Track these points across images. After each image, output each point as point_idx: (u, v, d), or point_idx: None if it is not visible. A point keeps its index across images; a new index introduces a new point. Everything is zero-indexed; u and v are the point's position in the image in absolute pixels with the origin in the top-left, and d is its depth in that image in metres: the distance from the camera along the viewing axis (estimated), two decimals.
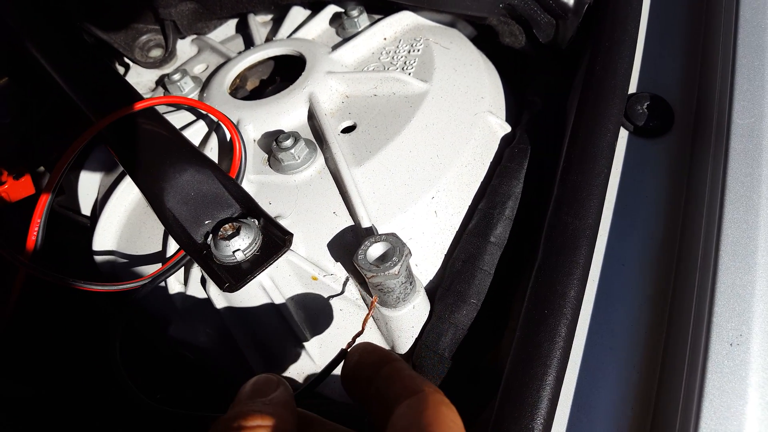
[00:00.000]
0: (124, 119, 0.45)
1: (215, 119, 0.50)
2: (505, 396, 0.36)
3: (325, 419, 0.33)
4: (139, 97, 0.47)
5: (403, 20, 0.56)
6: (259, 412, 0.27)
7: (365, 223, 0.43)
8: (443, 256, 0.46)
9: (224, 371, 0.50)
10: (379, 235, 0.40)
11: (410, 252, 0.39)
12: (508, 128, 0.51)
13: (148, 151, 0.44)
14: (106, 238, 0.50)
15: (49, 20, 0.55)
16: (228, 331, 0.46)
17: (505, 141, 0.50)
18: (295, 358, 0.47)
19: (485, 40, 0.58)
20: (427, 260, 0.45)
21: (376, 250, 0.39)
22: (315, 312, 0.45)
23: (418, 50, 0.53)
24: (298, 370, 0.48)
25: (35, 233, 0.44)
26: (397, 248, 0.39)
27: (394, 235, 0.39)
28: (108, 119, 0.45)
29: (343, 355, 0.33)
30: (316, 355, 0.46)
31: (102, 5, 0.63)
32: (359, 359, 0.31)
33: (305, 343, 0.46)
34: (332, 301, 0.44)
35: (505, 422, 0.35)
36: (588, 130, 0.42)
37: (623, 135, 0.46)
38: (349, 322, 0.45)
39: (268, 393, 0.29)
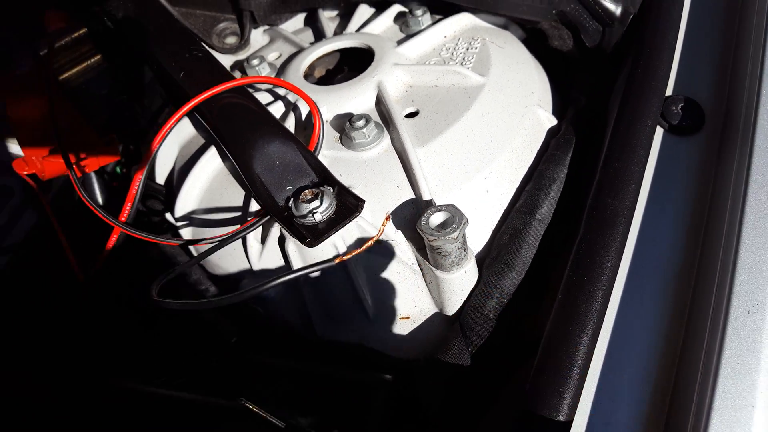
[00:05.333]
0: (219, 95, 0.52)
1: (292, 100, 0.56)
2: (546, 349, 0.41)
3: None
4: (231, 77, 0.54)
5: (462, 21, 0.62)
6: None
7: (426, 196, 0.49)
8: (492, 230, 0.51)
9: (288, 323, 0.56)
10: (440, 205, 0.45)
11: (468, 221, 0.44)
12: (554, 121, 0.56)
13: (240, 123, 0.51)
14: (188, 203, 0.56)
15: (146, 6, 0.61)
16: (296, 287, 0.52)
17: (551, 132, 0.56)
18: (353, 313, 0.53)
19: (535, 42, 0.63)
20: (477, 233, 0.51)
21: (437, 218, 0.45)
22: (375, 272, 0.51)
23: (476, 48, 0.59)
24: (355, 325, 0.54)
25: (132, 199, 0.51)
26: (456, 216, 0.44)
27: (453, 206, 0.45)
28: (205, 94, 0.51)
29: None
30: (372, 309, 0.52)
31: None
32: None
33: (364, 301, 0.52)
34: (391, 264, 0.50)
35: (545, 371, 0.41)
36: (629, 124, 0.48)
37: (659, 132, 0.51)
38: (404, 284, 0.51)
39: None
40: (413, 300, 0.52)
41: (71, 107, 0.61)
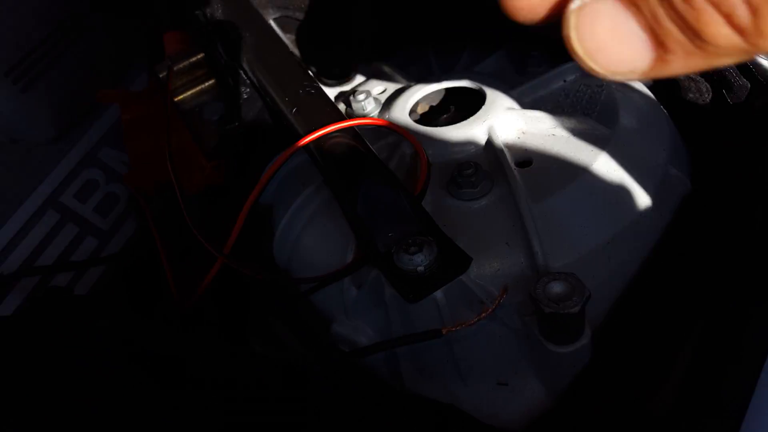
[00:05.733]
0: (329, 134, 0.50)
1: (400, 140, 0.54)
2: None
3: None
4: (342, 117, 0.52)
5: None
6: None
7: (540, 260, 0.45)
8: (611, 302, 0.46)
9: (374, 369, 0.53)
10: (560, 273, 0.41)
11: (591, 294, 0.40)
12: (687, 183, 0.50)
13: (346, 163, 0.49)
14: (287, 240, 0.55)
15: (262, 35, 0.62)
16: (388, 336, 0.49)
17: (683, 195, 0.50)
18: (446, 371, 0.49)
19: (665, 92, 0.58)
20: (595, 304, 0.46)
21: (555, 287, 0.41)
22: (474, 332, 0.47)
23: (600, 95, 0.54)
24: (447, 384, 0.50)
25: (238, 231, 0.50)
26: (577, 289, 0.40)
27: (574, 276, 0.41)
28: (318, 133, 0.50)
29: None
30: (466, 370, 0.48)
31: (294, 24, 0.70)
32: None
33: (459, 361, 0.48)
34: (493, 327, 0.46)
35: None
36: None
37: None
38: (505, 349, 0.47)
39: None
40: (514, 367, 0.48)
41: (183, 129, 0.62)
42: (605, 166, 0.48)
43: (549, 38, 0.59)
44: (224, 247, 0.50)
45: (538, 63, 0.59)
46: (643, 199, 0.48)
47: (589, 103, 0.54)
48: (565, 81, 0.58)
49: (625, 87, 0.56)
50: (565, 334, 0.42)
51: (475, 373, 0.49)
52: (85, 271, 0.79)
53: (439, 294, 0.45)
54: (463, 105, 0.59)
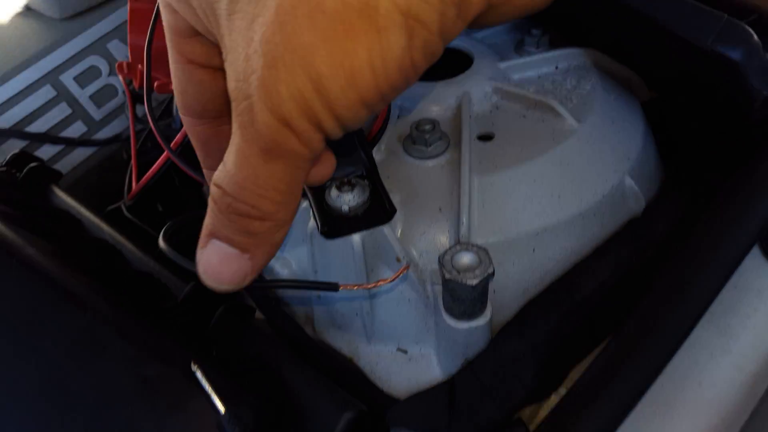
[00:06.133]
0: None
1: None
2: None
3: None
4: None
5: (583, 57, 0.55)
6: None
7: (463, 231, 0.44)
8: (524, 297, 0.45)
9: (292, 308, 0.53)
10: (471, 244, 0.40)
11: (494, 273, 0.39)
12: (641, 202, 0.49)
13: None
14: None
15: None
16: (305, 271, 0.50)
17: (631, 212, 0.48)
18: (353, 325, 0.49)
19: (659, 110, 0.55)
20: (506, 291, 0.45)
21: (463, 257, 0.40)
22: (387, 292, 0.47)
23: (584, 89, 0.52)
24: (351, 338, 0.50)
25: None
26: (483, 263, 0.39)
27: (485, 251, 0.40)
28: None
29: None
30: (371, 330, 0.48)
31: None
32: None
33: (366, 317, 0.48)
34: (406, 289, 0.46)
35: None
36: (719, 234, 0.40)
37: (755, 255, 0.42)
38: (412, 316, 0.47)
39: None
40: (416, 336, 0.48)
41: None
42: (559, 158, 0.47)
43: (553, 18, 0.57)
44: (173, 143, 0.50)
45: (536, 43, 0.57)
46: (588, 201, 0.46)
47: (570, 94, 0.52)
48: (557, 67, 0.56)
49: (613, 90, 0.53)
50: (463, 309, 0.41)
51: (379, 335, 0.49)
52: (70, 150, 0.81)
53: (356, 239, 0.44)
54: (451, 66, 0.57)
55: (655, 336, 0.38)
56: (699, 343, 0.40)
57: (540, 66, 0.55)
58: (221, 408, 0.35)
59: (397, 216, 0.45)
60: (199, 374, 0.36)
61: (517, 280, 0.45)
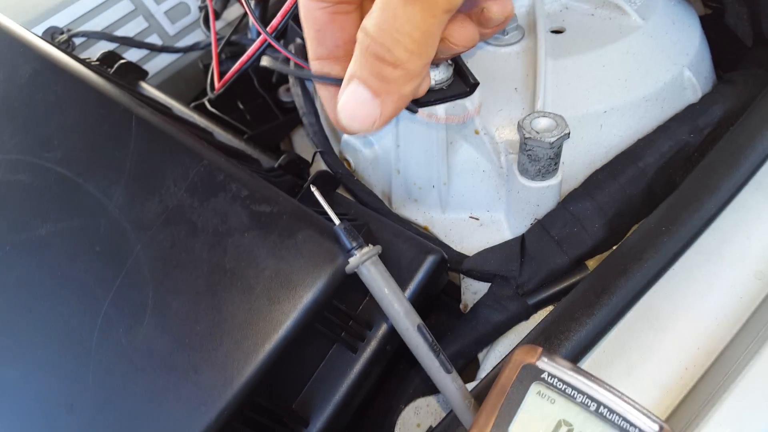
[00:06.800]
0: None
1: None
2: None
3: None
4: None
5: None
6: None
7: (539, 105, 0.49)
8: (590, 167, 0.50)
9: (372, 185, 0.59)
10: (550, 112, 0.45)
11: (569, 134, 0.44)
12: (698, 92, 0.53)
13: None
14: None
15: None
16: (386, 149, 0.55)
17: (689, 101, 0.53)
18: (429, 196, 0.55)
19: (712, 22, 0.59)
20: (574, 164, 0.50)
21: (541, 122, 0.45)
22: (463, 162, 0.52)
23: None
24: (427, 209, 0.56)
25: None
26: (560, 125, 0.44)
27: (561, 116, 0.45)
28: None
29: None
30: (446, 198, 0.54)
31: None
32: None
33: (442, 185, 0.53)
34: (481, 159, 0.51)
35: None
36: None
37: None
38: (486, 185, 0.52)
39: None
40: (488, 204, 0.53)
41: None
42: (625, 48, 0.51)
43: None
44: (269, 27, 0.55)
45: None
46: (650, 87, 0.51)
47: None
48: None
49: None
50: (538, 168, 0.46)
51: (454, 204, 0.54)
52: (151, 57, 0.86)
53: (440, 110, 0.49)
54: None
55: (707, 190, 0.43)
56: (748, 205, 0.44)
57: None
58: (337, 220, 0.41)
59: (476, 93, 0.50)
60: (316, 192, 0.41)
61: (584, 152, 0.50)
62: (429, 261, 0.47)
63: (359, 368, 0.46)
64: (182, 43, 0.89)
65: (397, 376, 0.55)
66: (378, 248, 0.40)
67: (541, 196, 0.48)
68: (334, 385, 0.45)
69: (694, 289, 0.41)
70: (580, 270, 0.47)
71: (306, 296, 0.42)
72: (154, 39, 0.87)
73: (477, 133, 0.50)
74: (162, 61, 0.86)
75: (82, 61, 0.62)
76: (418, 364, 0.40)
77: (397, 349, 0.52)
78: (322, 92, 0.39)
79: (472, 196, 0.53)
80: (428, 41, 0.32)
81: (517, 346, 0.40)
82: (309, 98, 0.61)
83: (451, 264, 0.51)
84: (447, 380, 0.36)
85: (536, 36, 0.52)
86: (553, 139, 0.43)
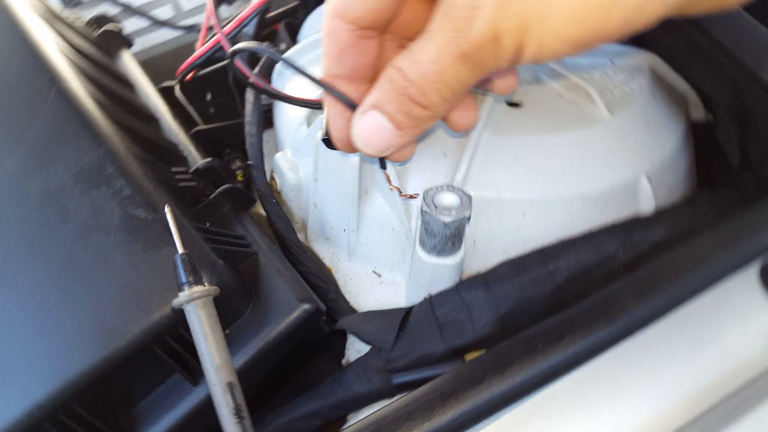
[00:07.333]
0: None
1: None
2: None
3: None
4: None
5: (640, 59, 0.55)
6: None
7: (459, 176, 0.45)
8: (503, 253, 0.46)
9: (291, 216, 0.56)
10: (460, 189, 0.41)
11: (469, 218, 0.40)
12: (652, 203, 0.48)
13: None
14: None
15: None
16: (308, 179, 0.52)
17: (634, 212, 0.48)
18: (339, 240, 0.52)
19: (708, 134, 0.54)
20: (486, 246, 0.46)
21: (446, 197, 0.41)
22: (376, 216, 0.48)
23: (631, 88, 0.52)
24: (334, 252, 0.52)
25: None
26: (464, 206, 0.40)
27: (469, 197, 0.41)
28: None
29: None
30: (354, 247, 0.50)
31: None
32: None
33: (352, 234, 0.50)
34: (392, 218, 0.48)
35: None
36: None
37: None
38: (393, 244, 0.48)
39: None
40: (393, 264, 0.49)
41: None
42: (577, 140, 0.47)
43: None
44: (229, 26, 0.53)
45: None
46: (593, 188, 0.46)
47: (615, 89, 0.52)
48: (612, 62, 0.55)
49: (662, 99, 0.52)
50: (434, 244, 0.42)
51: (360, 254, 0.51)
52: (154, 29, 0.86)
53: (354, 159, 0.46)
54: None
55: (601, 317, 0.38)
56: (666, 341, 0.39)
57: (595, 56, 0.55)
58: (180, 248, 0.38)
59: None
60: (169, 216, 0.39)
61: (500, 238, 0.46)
62: (300, 310, 0.44)
63: (195, 402, 0.43)
64: (192, 21, 0.89)
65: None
66: (213, 289, 0.37)
67: (436, 272, 0.44)
68: (162, 414, 0.43)
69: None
70: (454, 362, 0.43)
71: (149, 318, 0.40)
72: (166, 10, 0.87)
73: (391, 189, 0.46)
74: (165, 34, 0.85)
75: (57, 20, 0.62)
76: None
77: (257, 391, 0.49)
78: (330, 109, 0.39)
79: (379, 251, 0.50)
80: (463, 93, 0.34)
81: None
82: (258, 110, 0.59)
83: (334, 317, 0.48)
84: None
85: (488, 102, 0.48)
86: (448, 220, 0.39)
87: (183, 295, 0.36)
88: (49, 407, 0.38)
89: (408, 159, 0.43)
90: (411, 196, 0.46)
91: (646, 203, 0.48)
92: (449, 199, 0.41)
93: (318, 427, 0.48)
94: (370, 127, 0.36)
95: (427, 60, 0.32)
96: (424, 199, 0.41)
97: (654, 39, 0.55)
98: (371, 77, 0.38)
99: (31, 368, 0.39)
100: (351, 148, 0.39)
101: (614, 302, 0.39)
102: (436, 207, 0.40)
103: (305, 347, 0.50)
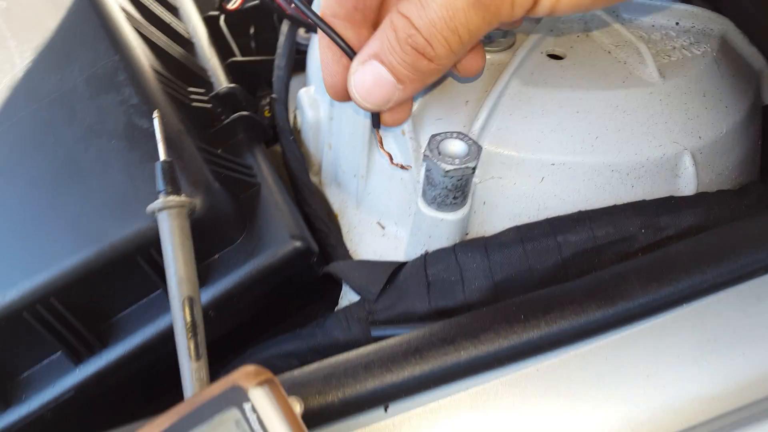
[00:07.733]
0: None
1: None
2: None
3: None
4: None
5: (710, 23, 0.48)
6: None
7: (476, 127, 0.41)
8: (513, 219, 0.42)
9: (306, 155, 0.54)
10: (471, 138, 0.38)
11: (474, 170, 0.37)
12: (691, 185, 0.42)
13: None
14: None
15: None
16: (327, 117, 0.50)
17: (673, 192, 0.42)
18: (350, 187, 0.49)
19: None
20: (496, 208, 0.42)
21: (453, 144, 0.38)
22: (381, 162, 0.46)
23: (693, 52, 0.45)
24: (343, 198, 0.50)
25: None
26: (469, 156, 0.37)
27: (479, 147, 0.37)
28: None
29: None
30: (361, 197, 0.48)
31: None
32: None
33: (361, 181, 0.47)
34: (400, 173, 0.45)
35: None
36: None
37: None
38: (399, 192, 0.45)
39: None
40: (398, 216, 0.47)
41: None
42: (618, 102, 0.42)
43: None
44: None
45: None
46: (625, 155, 0.41)
47: (675, 51, 0.46)
48: (677, 23, 0.49)
49: (727, 68, 0.46)
50: (434, 195, 0.39)
51: (367, 203, 0.49)
52: None
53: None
54: None
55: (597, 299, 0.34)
56: (672, 337, 0.35)
57: (659, 15, 0.49)
58: (162, 155, 0.37)
59: (423, 97, 0.44)
60: (156, 121, 0.38)
61: (512, 202, 0.42)
62: (290, 246, 0.43)
63: None
64: None
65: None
66: (188, 201, 0.36)
67: (434, 227, 0.41)
68: (140, 327, 0.42)
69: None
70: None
71: (135, 226, 0.39)
72: None
73: (403, 134, 0.43)
74: None
75: None
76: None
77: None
78: (325, 52, 0.37)
79: (385, 201, 0.47)
80: (470, 43, 0.32)
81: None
82: (290, 44, 0.56)
83: (326, 260, 0.46)
84: (186, 366, 0.32)
85: (522, 51, 0.44)
86: (449, 168, 0.36)
87: (157, 202, 0.35)
88: (29, 298, 0.38)
89: (402, 123, 0.40)
90: (402, 167, 0.43)
91: (686, 184, 0.42)
92: (456, 146, 0.38)
93: (295, 367, 0.46)
94: (369, 78, 0.34)
95: (437, 5, 0.30)
96: (429, 143, 0.38)
97: (733, 3, 0.48)
98: (374, 21, 0.36)
99: (16, 259, 0.39)
100: (345, 98, 0.37)
101: (618, 282, 0.35)
102: (439, 153, 0.37)
103: (299, 289, 0.48)
